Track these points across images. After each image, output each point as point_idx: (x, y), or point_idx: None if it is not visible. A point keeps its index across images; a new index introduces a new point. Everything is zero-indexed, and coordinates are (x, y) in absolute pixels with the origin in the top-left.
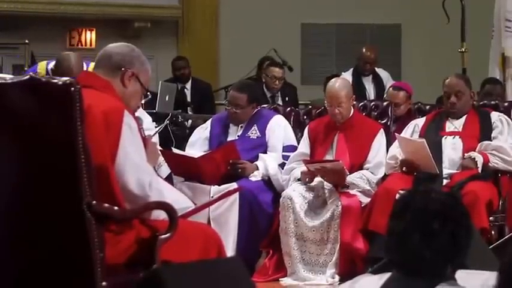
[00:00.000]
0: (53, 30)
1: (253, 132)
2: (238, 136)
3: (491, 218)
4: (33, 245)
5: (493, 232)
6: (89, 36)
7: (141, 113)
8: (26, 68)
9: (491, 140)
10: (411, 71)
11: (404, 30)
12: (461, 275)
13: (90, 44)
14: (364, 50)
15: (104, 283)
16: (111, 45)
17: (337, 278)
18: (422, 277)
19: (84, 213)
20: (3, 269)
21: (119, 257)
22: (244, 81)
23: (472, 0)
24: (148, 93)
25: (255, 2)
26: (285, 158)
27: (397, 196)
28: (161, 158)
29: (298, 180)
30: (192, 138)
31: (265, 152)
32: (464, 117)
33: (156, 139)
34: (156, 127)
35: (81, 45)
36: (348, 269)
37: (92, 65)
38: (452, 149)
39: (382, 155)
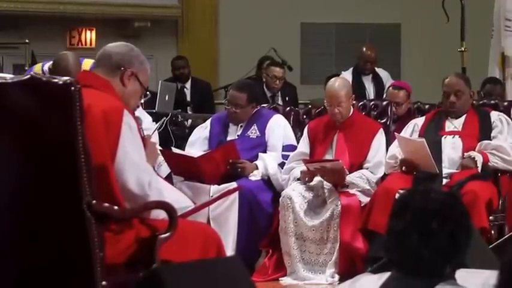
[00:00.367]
0: (53, 30)
1: (253, 132)
2: (237, 135)
3: (491, 217)
4: (33, 244)
5: (492, 232)
6: (89, 36)
7: (141, 112)
8: (26, 68)
9: (490, 140)
10: (411, 71)
11: (404, 30)
12: (461, 274)
13: (90, 44)
14: (364, 49)
15: (103, 282)
16: (111, 45)
17: (336, 277)
18: (421, 276)
19: (84, 213)
20: (3, 268)
21: (119, 257)
22: (244, 80)
23: (472, 0)
24: (148, 92)
25: (254, 1)
26: (285, 157)
27: (397, 196)
28: (161, 158)
29: (298, 179)
30: (191, 138)
31: (264, 152)
32: (464, 116)
33: (155, 139)
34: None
35: (81, 44)
36: (348, 268)
37: (85, 61)
38: (451, 148)
39: (381, 155)
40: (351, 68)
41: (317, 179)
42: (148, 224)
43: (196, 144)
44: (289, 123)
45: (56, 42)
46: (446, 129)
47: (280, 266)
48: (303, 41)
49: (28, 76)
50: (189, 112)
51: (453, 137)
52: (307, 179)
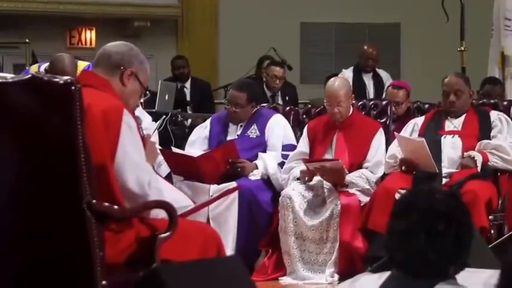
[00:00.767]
0: (53, 30)
1: (253, 131)
2: (237, 135)
3: (490, 217)
4: (33, 244)
5: (492, 231)
6: (89, 36)
7: (141, 112)
8: (27, 67)
9: (490, 139)
10: (410, 70)
11: (404, 29)
12: (461, 273)
13: (90, 43)
14: (365, 47)
15: (103, 282)
16: (110, 44)
17: (336, 277)
18: (426, 277)
19: (84, 212)
20: (3, 268)
21: (119, 256)
22: (244, 80)
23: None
24: (148, 92)
25: (254, 1)
26: (285, 157)
27: (397, 195)
28: (161, 157)
29: (298, 179)
30: (191, 138)
31: (264, 151)
32: (464, 116)
33: (155, 138)
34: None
35: (81, 44)
36: (347, 268)
37: (79, 63)
38: (451, 148)
39: (381, 154)
40: (352, 66)
41: (317, 178)
42: (148, 224)
43: (196, 144)
44: (289, 122)
45: (56, 42)
46: (446, 129)
47: (280, 265)
48: (303, 41)
49: (29, 76)
50: (189, 112)
51: (453, 137)
52: (306, 178)
